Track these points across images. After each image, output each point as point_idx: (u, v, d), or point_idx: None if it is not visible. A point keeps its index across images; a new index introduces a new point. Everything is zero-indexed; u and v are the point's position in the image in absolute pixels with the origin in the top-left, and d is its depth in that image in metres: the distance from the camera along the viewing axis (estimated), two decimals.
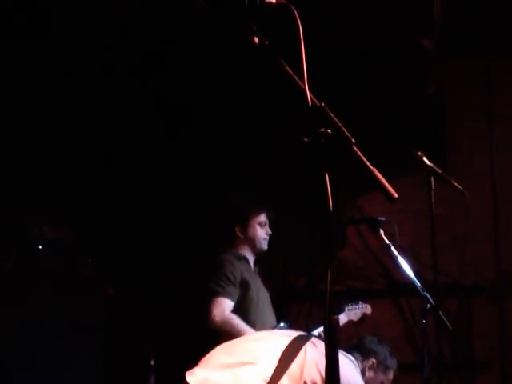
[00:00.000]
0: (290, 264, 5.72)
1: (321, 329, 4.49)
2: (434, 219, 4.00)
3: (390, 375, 4.01)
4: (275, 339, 2.91)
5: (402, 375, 4.21)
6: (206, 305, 4.38)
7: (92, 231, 5.05)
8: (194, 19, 4.35)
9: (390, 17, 4.84)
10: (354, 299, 5.08)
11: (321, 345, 2.77)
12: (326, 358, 1.64)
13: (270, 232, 4.69)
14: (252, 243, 4.65)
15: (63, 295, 4.63)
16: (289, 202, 5.28)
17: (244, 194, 5.18)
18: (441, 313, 3.82)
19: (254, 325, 4.42)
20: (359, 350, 3.95)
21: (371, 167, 1.66)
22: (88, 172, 5.15)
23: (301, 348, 2.76)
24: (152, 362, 4.89)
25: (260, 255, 4.74)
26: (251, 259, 4.68)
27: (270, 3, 1.81)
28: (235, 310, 4.41)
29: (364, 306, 5.05)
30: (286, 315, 5.18)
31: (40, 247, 4.65)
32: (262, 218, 4.68)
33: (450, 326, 3.83)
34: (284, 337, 2.89)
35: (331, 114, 1.71)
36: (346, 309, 4.99)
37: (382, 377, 3.96)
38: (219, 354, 2.89)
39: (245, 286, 4.49)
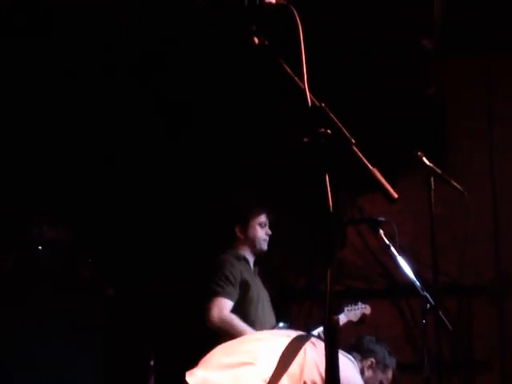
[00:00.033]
0: (290, 264, 5.72)
1: (320, 329, 4.49)
2: (434, 219, 4.00)
3: (389, 374, 4.03)
4: (275, 339, 2.91)
5: (401, 375, 4.22)
6: (206, 305, 4.39)
7: (92, 231, 5.04)
8: (194, 19, 4.35)
9: (390, 17, 4.84)
10: (353, 299, 5.08)
11: (320, 345, 2.77)
12: (326, 358, 1.64)
13: (270, 233, 4.68)
14: (252, 244, 4.65)
15: (63, 295, 4.63)
16: (289, 202, 5.28)
17: (244, 194, 5.18)
18: (441, 313, 3.81)
19: (254, 325, 4.42)
20: (358, 350, 3.97)
21: (371, 167, 1.66)
22: (88, 172, 5.15)
23: (300, 348, 2.76)
24: (152, 362, 4.89)
25: (260, 255, 4.74)
26: (251, 259, 4.68)
27: (270, 3, 1.82)
28: (235, 310, 4.41)
29: (363, 306, 5.05)
30: (285, 315, 5.18)
31: (40, 247, 4.65)
32: (262, 218, 4.68)
33: (449, 326, 3.82)
34: (283, 337, 2.89)
35: (331, 115, 1.71)
36: (346, 309, 4.99)
37: (380, 376, 3.97)
38: (219, 355, 2.89)
39: (245, 287, 4.49)
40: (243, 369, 2.71)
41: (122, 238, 5.23)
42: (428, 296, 3.74)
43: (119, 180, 5.28)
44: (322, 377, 2.63)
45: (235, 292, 4.44)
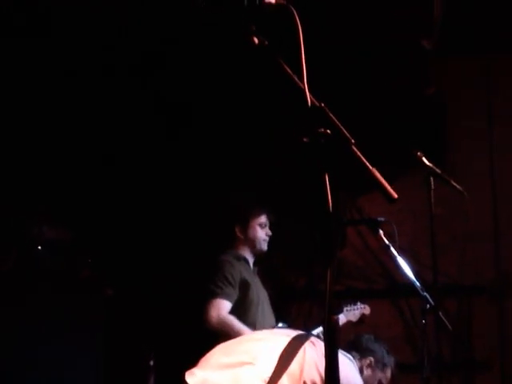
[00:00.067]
0: (289, 264, 5.72)
1: (320, 329, 4.49)
2: (434, 219, 4.00)
3: (388, 373, 4.03)
4: (274, 339, 2.91)
5: (401, 375, 4.22)
6: (204, 306, 4.38)
7: (92, 231, 5.05)
8: (194, 19, 4.35)
9: (390, 17, 4.84)
10: (352, 300, 5.08)
11: (320, 344, 2.77)
12: (326, 358, 1.64)
13: (270, 233, 4.68)
14: (252, 244, 4.65)
15: (63, 295, 4.63)
16: (289, 202, 5.28)
17: (244, 195, 5.18)
18: (440, 313, 3.82)
19: (254, 325, 4.41)
20: (356, 349, 3.97)
21: (371, 167, 1.66)
22: (88, 172, 5.15)
23: (300, 347, 2.76)
24: (152, 362, 4.89)
25: (260, 256, 4.74)
26: (251, 260, 4.68)
27: (270, 3, 1.82)
28: (235, 311, 4.40)
29: (362, 306, 5.05)
30: (285, 315, 5.18)
31: (40, 247, 4.65)
32: (263, 219, 4.67)
33: (449, 327, 3.83)
34: (283, 336, 2.88)
35: (331, 115, 1.71)
36: (345, 309, 4.99)
37: (379, 375, 3.97)
38: (218, 355, 2.89)
39: (244, 287, 4.49)
40: (243, 368, 2.71)
41: (122, 238, 5.24)
42: (428, 296, 3.74)
43: (119, 180, 5.28)
44: (321, 376, 2.63)
45: (234, 293, 4.44)
